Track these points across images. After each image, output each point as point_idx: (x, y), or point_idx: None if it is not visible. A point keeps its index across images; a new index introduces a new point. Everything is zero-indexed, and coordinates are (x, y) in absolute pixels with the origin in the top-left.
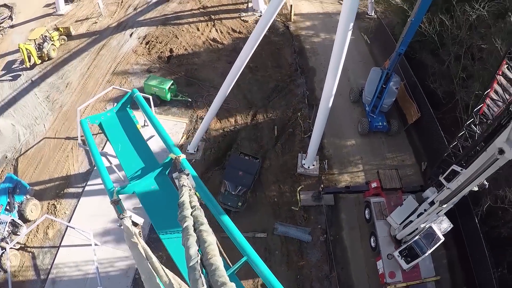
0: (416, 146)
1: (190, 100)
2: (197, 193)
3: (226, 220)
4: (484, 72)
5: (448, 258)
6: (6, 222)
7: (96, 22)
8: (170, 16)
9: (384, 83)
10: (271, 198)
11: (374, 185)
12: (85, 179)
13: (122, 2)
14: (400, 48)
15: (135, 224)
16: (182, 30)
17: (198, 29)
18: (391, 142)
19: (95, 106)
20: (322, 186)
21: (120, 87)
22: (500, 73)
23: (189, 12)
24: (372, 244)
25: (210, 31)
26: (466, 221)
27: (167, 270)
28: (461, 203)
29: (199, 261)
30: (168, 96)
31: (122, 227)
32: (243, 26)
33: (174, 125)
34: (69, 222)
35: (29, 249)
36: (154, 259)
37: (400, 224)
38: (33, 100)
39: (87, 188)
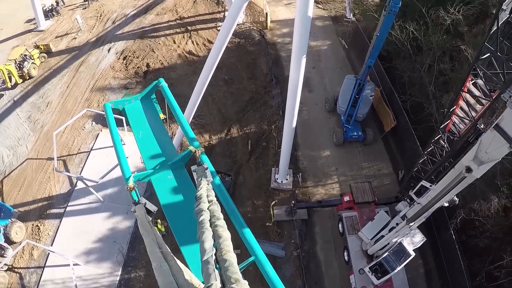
0: (393, 154)
1: (165, 116)
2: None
3: (238, 218)
4: (458, 81)
5: (425, 268)
6: None
7: (75, 38)
8: (147, 28)
9: (357, 93)
10: (244, 215)
11: (346, 198)
12: (67, 199)
13: (100, 16)
14: (369, 60)
15: (149, 212)
16: (159, 43)
17: (174, 42)
18: (367, 151)
19: (74, 126)
20: (293, 202)
21: (98, 105)
22: (465, 89)
23: (166, 24)
24: (346, 258)
25: (186, 43)
26: (442, 232)
27: (178, 261)
28: (437, 214)
29: (213, 255)
30: None
31: (136, 214)
32: None
33: None
34: (52, 243)
35: (16, 269)
36: (166, 248)
37: (371, 239)
38: (15, 120)
39: (68, 208)
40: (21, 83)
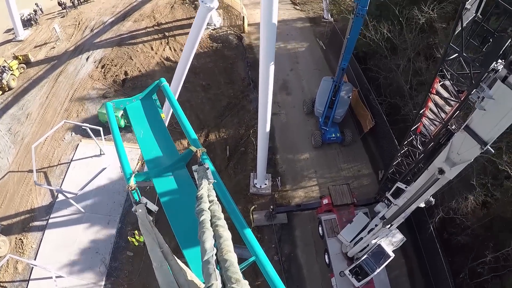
0: (372, 154)
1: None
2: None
3: (239, 218)
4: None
5: (408, 267)
6: None
7: (54, 47)
8: (125, 36)
9: (334, 95)
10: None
11: (325, 201)
12: (48, 212)
13: (79, 24)
14: (342, 63)
15: (149, 211)
16: (137, 51)
17: (152, 48)
18: (346, 152)
19: (54, 137)
20: (272, 207)
21: (77, 115)
22: (434, 91)
23: (144, 31)
24: (327, 261)
25: (164, 50)
26: (423, 231)
27: (178, 260)
28: (417, 213)
29: (214, 255)
30: (122, 123)
31: (136, 213)
32: None
33: (129, 152)
34: (36, 255)
35: (1, 284)
36: (166, 247)
37: (350, 242)
38: None
39: (50, 220)
40: (1, 95)
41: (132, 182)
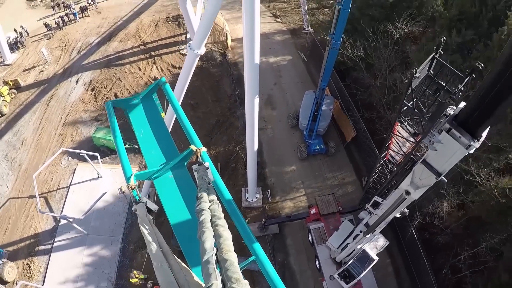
0: (356, 162)
1: (137, 147)
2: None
3: (239, 218)
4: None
5: (394, 266)
6: None
7: (42, 71)
8: (112, 56)
9: (316, 110)
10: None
11: (313, 211)
12: (52, 236)
13: (65, 45)
14: (322, 84)
15: (149, 211)
16: (125, 72)
17: (139, 69)
18: (331, 162)
19: (51, 162)
20: (263, 219)
21: (72, 139)
22: (395, 132)
23: (130, 51)
24: (317, 266)
25: (151, 70)
26: (405, 233)
27: (179, 260)
28: (398, 218)
29: (214, 255)
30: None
31: (137, 212)
32: (182, 61)
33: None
34: (44, 279)
35: None
36: (166, 247)
37: (338, 248)
38: None
39: (55, 244)
40: None
41: (132, 181)
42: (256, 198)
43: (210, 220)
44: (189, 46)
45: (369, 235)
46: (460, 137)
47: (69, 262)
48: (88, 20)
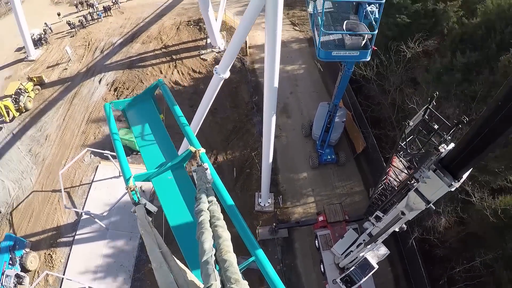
0: (364, 173)
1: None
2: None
3: (239, 218)
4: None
5: (394, 274)
6: (12, 276)
7: (66, 68)
8: (134, 58)
9: (329, 123)
10: (233, 236)
11: (321, 218)
12: (74, 229)
13: (89, 44)
14: (335, 101)
15: (149, 212)
16: (147, 74)
17: (161, 72)
18: (340, 171)
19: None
20: (274, 224)
21: (95, 137)
22: (393, 163)
23: (152, 53)
24: (322, 270)
25: (172, 73)
26: (406, 244)
27: (178, 261)
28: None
29: (213, 256)
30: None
31: (136, 214)
32: (203, 66)
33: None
34: (65, 269)
35: None
36: (166, 248)
37: (342, 254)
38: (17, 154)
39: (76, 237)
40: (18, 115)
41: (131, 183)
42: (269, 203)
43: (209, 220)
44: (215, 70)
45: (369, 246)
46: (443, 177)
47: (90, 254)
48: (111, 20)
